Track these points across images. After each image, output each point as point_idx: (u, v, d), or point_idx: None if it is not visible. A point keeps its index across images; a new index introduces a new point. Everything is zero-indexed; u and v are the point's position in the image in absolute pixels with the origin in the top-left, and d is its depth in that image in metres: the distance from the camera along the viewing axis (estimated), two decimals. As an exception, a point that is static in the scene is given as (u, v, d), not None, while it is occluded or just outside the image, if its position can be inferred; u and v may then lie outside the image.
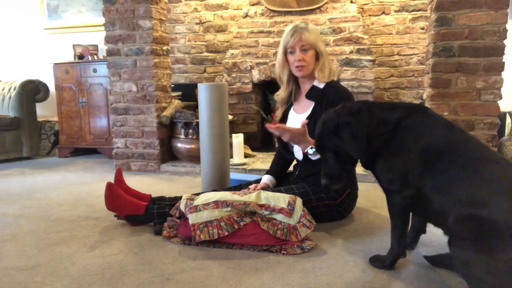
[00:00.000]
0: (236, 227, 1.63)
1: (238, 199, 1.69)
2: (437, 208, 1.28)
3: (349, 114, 1.39)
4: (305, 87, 2.02)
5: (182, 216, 1.76)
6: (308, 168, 1.95)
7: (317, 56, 1.94)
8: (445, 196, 1.25)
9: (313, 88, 1.97)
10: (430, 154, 1.30)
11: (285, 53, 1.96)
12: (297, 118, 1.96)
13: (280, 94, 2.09)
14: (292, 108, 2.08)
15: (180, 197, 2.04)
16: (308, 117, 1.91)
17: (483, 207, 1.15)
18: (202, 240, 1.64)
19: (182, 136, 3.26)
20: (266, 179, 2.06)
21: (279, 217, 1.65)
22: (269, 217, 1.66)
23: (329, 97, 1.88)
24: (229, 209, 1.66)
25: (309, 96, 1.97)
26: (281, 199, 1.69)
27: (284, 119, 2.08)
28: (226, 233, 1.62)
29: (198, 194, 1.86)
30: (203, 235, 1.62)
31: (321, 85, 1.95)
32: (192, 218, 1.65)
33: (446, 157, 1.27)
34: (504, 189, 1.17)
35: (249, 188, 1.99)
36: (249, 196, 1.71)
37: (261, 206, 1.68)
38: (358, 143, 1.36)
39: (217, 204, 1.68)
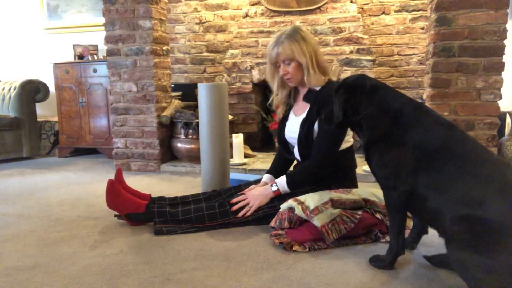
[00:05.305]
0: (357, 217, 1.70)
1: (346, 197, 1.76)
2: (433, 207, 1.28)
3: (356, 87, 1.46)
4: (304, 90, 1.99)
5: (292, 225, 1.74)
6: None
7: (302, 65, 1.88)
8: (441, 196, 1.25)
9: (310, 90, 1.94)
10: (426, 153, 1.31)
11: (273, 63, 1.94)
12: (295, 120, 1.96)
13: (278, 96, 2.04)
14: (292, 109, 2.07)
15: (180, 197, 2.05)
16: (303, 120, 1.89)
17: (479, 207, 1.15)
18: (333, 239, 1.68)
19: (182, 136, 3.26)
20: (266, 178, 2.06)
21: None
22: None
23: (322, 99, 1.84)
24: (341, 208, 1.72)
25: (306, 98, 1.95)
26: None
27: (284, 120, 2.07)
28: (352, 225, 1.68)
29: (285, 196, 1.86)
30: (334, 234, 1.66)
31: (318, 87, 1.93)
32: (320, 220, 1.66)
33: (443, 156, 1.28)
34: (499, 189, 1.17)
35: (251, 189, 1.98)
36: (353, 194, 1.78)
37: (367, 201, 1.77)
38: (336, 111, 1.47)
39: (332, 202, 1.72)
